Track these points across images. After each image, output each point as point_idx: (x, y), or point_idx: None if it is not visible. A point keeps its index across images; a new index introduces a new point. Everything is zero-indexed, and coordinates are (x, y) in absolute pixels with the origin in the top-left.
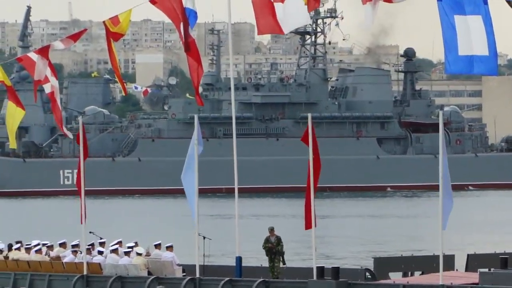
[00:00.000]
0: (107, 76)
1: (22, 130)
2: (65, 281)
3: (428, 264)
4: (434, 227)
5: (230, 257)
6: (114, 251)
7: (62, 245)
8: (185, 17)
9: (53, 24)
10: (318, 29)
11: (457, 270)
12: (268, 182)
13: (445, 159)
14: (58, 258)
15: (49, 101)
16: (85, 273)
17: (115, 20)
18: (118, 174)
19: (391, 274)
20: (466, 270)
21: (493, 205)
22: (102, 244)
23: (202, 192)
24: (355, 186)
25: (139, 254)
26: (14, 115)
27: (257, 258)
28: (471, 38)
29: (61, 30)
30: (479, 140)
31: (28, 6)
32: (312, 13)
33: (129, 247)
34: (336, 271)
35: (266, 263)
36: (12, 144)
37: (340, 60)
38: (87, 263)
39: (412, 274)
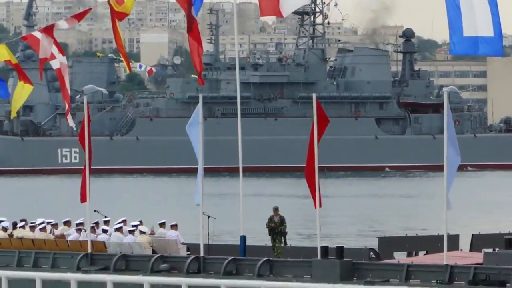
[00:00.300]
0: (112, 55)
1: (27, 108)
2: (69, 259)
3: (432, 244)
4: (437, 207)
5: (234, 236)
6: (119, 229)
7: (67, 223)
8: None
9: (58, 3)
10: (317, 9)
11: (461, 250)
12: (266, 162)
13: (452, 133)
14: (62, 236)
15: (54, 80)
16: (89, 251)
17: None
18: (116, 153)
19: (395, 254)
20: (471, 250)
21: (493, 185)
22: (106, 222)
23: None
24: (354, 166)
25: (143, 233)
26: (22, 90)
27: (254, 238)
28: (476, 19)
29: (66, 9)
30: (478, 121)
31: None
32: None
33: (133, 226)
34: (340, 251)
35: (270, 243)
36: (14, 113)
37: (338, 40)
38: (92, 241)
39: (416, 254)
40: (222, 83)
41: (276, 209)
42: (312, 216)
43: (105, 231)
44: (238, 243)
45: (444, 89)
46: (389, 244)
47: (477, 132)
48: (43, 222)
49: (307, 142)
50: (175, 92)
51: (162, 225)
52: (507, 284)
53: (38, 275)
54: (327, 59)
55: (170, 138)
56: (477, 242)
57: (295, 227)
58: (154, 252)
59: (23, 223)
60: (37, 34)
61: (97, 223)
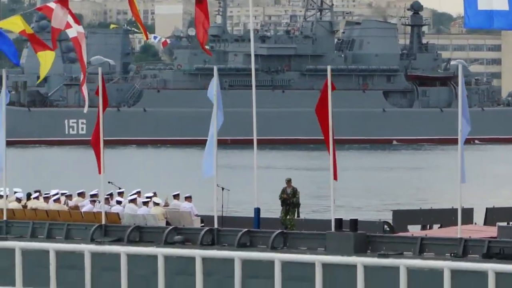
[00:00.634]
0: (126, 27)
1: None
2: (83, 230)
3: (446, 217)
4: (449, 180)
5: (244, 208)
6: (133, 201)
7: (81, 194)
8: None
9: None
10: None
11: (475, 223)
12: (273, 134)
13: (465, 105)
14: (76, 207)
15: (68, 51)
16: (103, 222)
17: None
18: (123, 124)
19: (409, 227)
20: (485, 223)
21: (501, 159)
22: (120, 194)
23: None
24: (361, 139)
25: (157, 204)
26: (46, 58)
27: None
28: None
29: None
30: (486, 94)
31: None
32: None
33: (147, 197)
34: (354, 223)
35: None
36: (42, 77)
37: (347, 13)
38: (106, 212)
39: (430, 227)
40: (229, 55)
41: (288, 181)
42: (322, 188)
43: (119, 202)
44: (250, 215)
45: (452, 62)
46: (403, 217)
47: (485, 106)
48: (57, 193)
49: (314, 114)
50: (183, 64)
51: (176, 196)
52: None
53: (51, 246)
54: (335, 31)
55: (177, 110)
56: (491, 215)
57: (305, 199)
58: (168, 224)
59: (37, 194)
60: (52, 5)
61: (111, 195)
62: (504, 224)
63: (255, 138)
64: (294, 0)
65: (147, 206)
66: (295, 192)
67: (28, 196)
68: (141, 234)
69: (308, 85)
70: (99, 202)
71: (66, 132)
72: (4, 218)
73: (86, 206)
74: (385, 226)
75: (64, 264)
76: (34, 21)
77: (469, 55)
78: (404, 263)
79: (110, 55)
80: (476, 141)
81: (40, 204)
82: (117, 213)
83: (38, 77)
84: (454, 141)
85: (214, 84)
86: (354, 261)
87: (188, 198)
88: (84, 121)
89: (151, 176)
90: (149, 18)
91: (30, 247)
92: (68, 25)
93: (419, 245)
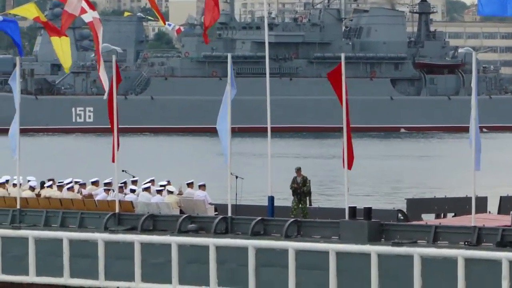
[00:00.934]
0: (140, 14)
1: (55, 67)
2: (97, 219)
3: (461, 206)
4: (462, 167)
5: (257, 196)
6: (147, 189)
7: (95, 183)
8: None
9: None
10: None
11: (489, 212)
12: (281, 122)
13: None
14: (90, 196)
15: (82, 39)
16: (117, 211)
17: None
18: (130, 112)
19: (423, 216)
20: (499, 212)
21: (509, 147)
22: (134, 182)
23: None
24: (369, 127)
25: (171, 193)
26: (61, 44)
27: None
28: None
29: None
30: (493, 82)
31: None
32: None
33: (161, 186)
34: (368, 212)
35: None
36: (67, 69)
37: (354, 0)
38: (119, 201)
39: (444, 216)
40: (237, 43)
41: (298, 169)
42: (332, 176)
43: (133, 191)
44: (262, 203)
45: (460, 50)
46: (417, 206)
47: (493, 94)
48: (71, 182)
49: (321, 102)
50: (190, 51)
51: (190, 185)
52: None
53: (65, 235)
54: (343, 19)
55: (185, 98)
56: (506, 204)
57: (315, 188)
58: (181, 212)
59: (50, 182)
60: None
61: (125, 183)
62: None
63: (269, 126)
64: None
65: (161, 195)
66: (305, 181)
67: (42, 184)
68: (155, 222)
69: (316, 73)
70: (113, 191)
71: (74, 120)
72: (18, 206)
73: (100, 194)
74: (399, 215)
75: (77, 253)
76: (48, 8)
77: (482, 43)
78: (418, 251)
79: (124, 43)
80: (484, 130)
81: (53, 192)
82: (131, 202)
83: (52, 65)
84: (462, 129)
85: (229, 71)
86: (368, 250)
87: (202, 187)
88: (92, 109)
89: (165, 164)
90: (163, 6)
91: (44, 236)
92: (83, 11)
93: (433, 233)
